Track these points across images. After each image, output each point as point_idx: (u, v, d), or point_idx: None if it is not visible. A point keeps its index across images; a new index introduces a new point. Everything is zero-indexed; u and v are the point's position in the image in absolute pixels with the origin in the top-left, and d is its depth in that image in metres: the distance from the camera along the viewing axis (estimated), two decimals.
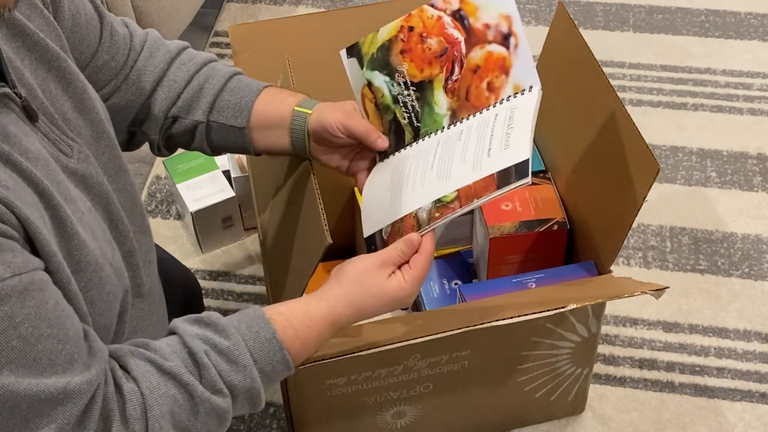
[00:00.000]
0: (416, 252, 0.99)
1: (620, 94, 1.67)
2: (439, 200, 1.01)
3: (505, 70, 1.03)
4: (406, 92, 1.08)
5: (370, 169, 1.12)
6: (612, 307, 1.55)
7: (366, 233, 1.10)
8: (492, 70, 1.04)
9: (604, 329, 1.51)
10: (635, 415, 1.42)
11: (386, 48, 1.08)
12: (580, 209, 1.29)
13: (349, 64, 1.12)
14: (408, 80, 1.08)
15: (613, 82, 1.19)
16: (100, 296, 0.88)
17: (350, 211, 1.47)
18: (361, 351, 1.08)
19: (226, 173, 1.62)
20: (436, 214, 1.00)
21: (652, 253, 1.63)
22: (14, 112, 0.83)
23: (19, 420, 0.76)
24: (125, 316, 0.96)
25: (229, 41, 1.55)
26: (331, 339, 0.98)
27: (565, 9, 1.28)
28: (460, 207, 0.99)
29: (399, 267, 0.99)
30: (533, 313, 1.11)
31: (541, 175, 1.36)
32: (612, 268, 1.22)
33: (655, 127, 1.85)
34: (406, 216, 1.03)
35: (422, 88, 1.08)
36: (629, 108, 1.85)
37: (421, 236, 1.00)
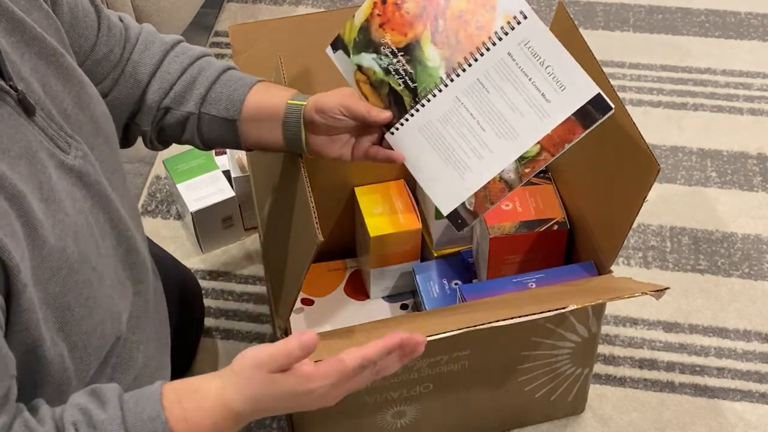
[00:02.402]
0: (306, 353, 0.85)
1: (620, 94, 1.67)
2: (522, 157, 1.02)
3: (491, 5, 1.02)
4: (395, 60, 1.07)
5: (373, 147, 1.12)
6: (612, 307, 1.55)
7: (446, 210, 1.11)
8: (476, 10, 1.03)
9: (604, 329, 1.51)
10: (635, 415, 1.42)
11: (365, 28, 1.08)
12: (581, 209, 1.29)
13: (338, 58, 1.12)
14: (394, 48, 1.07)
15: (613, 82, 1.19)
16: (78, 301, 0.86)
17: (350, 211, 1.47)
18: None
19: (226, 173, 1.62)
20: (527, 170, 1.02)
21: (652, 253, 1.63)
22: (9, 105, 0.83)
23: None
24: (123, 316, 0.96)
25: (229, 41, 1.55)
26: (334, 342, 0.96)
27: (565, 9, 1.28)
28: (552, 155, 1.01)
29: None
30: (533, 314, 1.11)
31: (541, 175, 1.36)
32: (612, 268, 1.22)
33: (655, 127, 1.85)
34: (490, 182, 1.05)
35: (410, 50, 1.07)
36: (629, 108, 1.85)
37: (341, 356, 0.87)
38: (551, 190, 1.34)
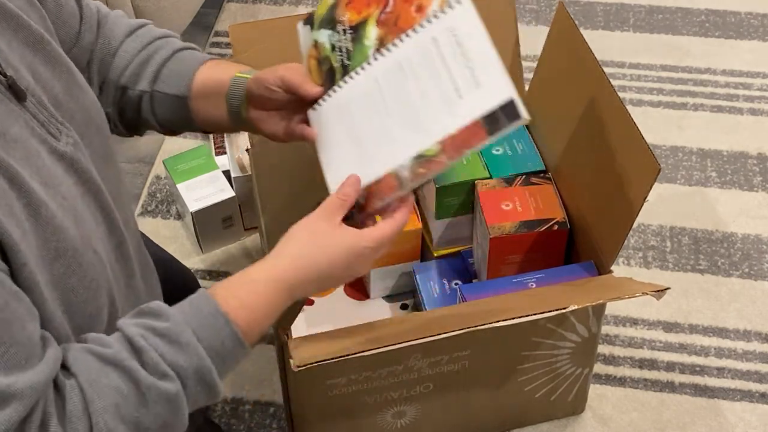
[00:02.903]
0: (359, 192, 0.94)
1: (620, 94, 1.67)
2: (420, 155, 0.94)
3: None
4: (343, 38, 1.04)
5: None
6: (612, 307, 1.55)
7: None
8: None
9: (604, 329, 1.51)
10: (635, 415, 1.42)
11: (334, 6, 1.06)
12: (581, 209, 1.29)
13: (303, 32, 1.09)
14: (347, 27, 1.04)
15: (613, 82, 1.19)
16: (82, 283, 0.86)
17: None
18: (362, 351, 1.08)
19: (226, 173, 1.62)
20: (421, 170, 0.93)
21: (652, 253, 1.63)
22: None
23: None
24: (114, 306, 0.95)
25: (229, 41, 1.55)
26: (334, 342, 0.97)
27: (565, 9, 1.29)
28: (450, 160, 0.92)
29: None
30: (534, 314, 1.11)
31: (541, 175, 1.36)
32: (612, 268, 1.22)
33: (655, 127, 1.85)
34: (384, 176, 0.96)
35: (357, 28, 1.03)
36: (629, 108, 1.85)
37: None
38: (551, 190, 1.34)
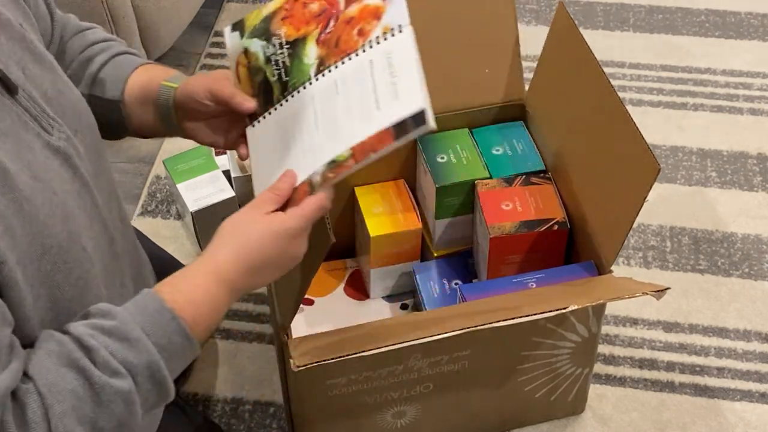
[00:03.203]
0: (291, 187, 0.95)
1: (620, 94, 1.67)
2: (333, 161, 0.96)
3: (377, 17, 0.99)
4: (279, 51, 1.04)
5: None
6: (612, 307, 1.55)
7: None
8: (364, 18, 1.00)
9: (604, 329, 1.51)
10: (635, 415, 1.42)
11: (269, 19, 1.06)
12: (581, 209, 1.29)
13: (231, 37, 1.08)
14: (284, 41, 1.04)
15: (613, 82, 1.19)
16: (68, 280, 0.86)
17: (350, 211, 1.47)
18: (362, 351, 1.08)
19: (226, 173, 1.62)
20: (330, 175, 0.95)
21: (652, 253, 1.63)
22: None
23: None
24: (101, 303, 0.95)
25: None
26: (334, 342, 0.97)
27: (565, 9, 1.29)
28: (357, 162, 0.94)
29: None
30: (534, 314, 1.11)
31: (541, 175, 1.36)
32: (612, 268, 1.22)
33: (655, 127, 1.85)
34: (300, 185, 0.98)
35: (295, 45, 1.04)
36: (629, 108, 1.85)
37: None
38: (551, 190, 1.34)
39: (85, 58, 1.09)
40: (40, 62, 0.92)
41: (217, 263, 0.90)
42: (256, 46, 1.06)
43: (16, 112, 0.85)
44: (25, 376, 0.79)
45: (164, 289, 0.87)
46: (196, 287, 0.88)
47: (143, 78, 1.08)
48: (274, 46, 1.05)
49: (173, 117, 1.06)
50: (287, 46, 1.04)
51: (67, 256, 0.86)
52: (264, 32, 1.06)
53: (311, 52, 1.02)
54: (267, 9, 1.06)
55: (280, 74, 1.03)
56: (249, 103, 1.02)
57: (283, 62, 1.04)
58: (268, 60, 1.05)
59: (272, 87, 1.04)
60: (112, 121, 1.09)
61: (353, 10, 1.01)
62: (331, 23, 1.02)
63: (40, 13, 1.02)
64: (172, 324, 0.84)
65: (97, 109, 1.07)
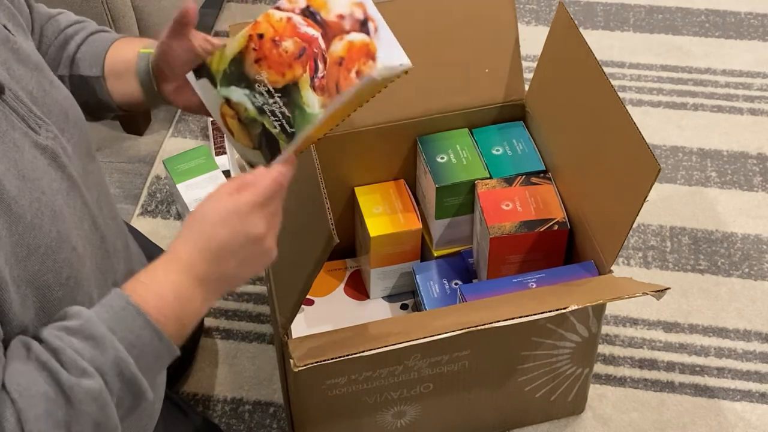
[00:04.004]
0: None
1: (620, 94, 1.67)
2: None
3: (371, 56, 0.96)
4: (271, 100, 1.00)
5: None
6: (612, 307, 1.55)
7: None
8: (358, 58, 0.97)
9: (604, 329, 1.51)
10: (635, 415, 1.42)
11: (238, 61, 1.01)
12: (581, 209, 1.29)
13: (201, 86, 1.03)
14: (270, 88, 1.00)
15: (613, 82, 1.19)
16: (58, 281, 0.85)
17: (350, 211, 1.47)
18: (362, 351, 1.08)
19: (226, 173, 1.62)
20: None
21: (652, 253, 1.63)
22: None
23: None
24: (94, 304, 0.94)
25: None
26: (334, 342, 0.97)
27: (565, 9, 1.29)
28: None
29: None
30: (534, 314, 1.11)
31: (541, 175, 1.36)
32: (612, 268, 1.22)
33: (655, 127, 1.85)
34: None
35: (288, 92, 0.99)
36: (629, 108, 1.85)
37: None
38: (551, 190, 1.34)
39: (60, 42, 1.09)
40: (25, 62, 0.92)
41: (176, 252, 0.87)
42: (239, 95, 1.01)
43: (3, 112, 0.85)
44: None
45: (128, 286, 0.84)
46: (156, 278, 0.85)
47: (121, 51, 1.08)
48: (262, 94, 1.00)
49: (153, 83, 1.06)
50: (278, 95, 0.99)
51: (57, 256, 0.85)
52: (241, 78, 1.01)
53: (312, 101, 0.98)
54: (231, 50, 1.01)
55: (282, 125, 1.00)
56: (189, 2, 1.02)
57: (281, 113, 1.00)
58: (261, 111, 1.00)
59: (276, 138, 1.00)
60: (96, 100, 1.09)
61: (339, 49, 0.97)
62: (320, 66, 0.98)
63: (23, 10, 1.03)
64: (138, 319, 0.82)
65: (79, 90, 1.08)
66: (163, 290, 0.84)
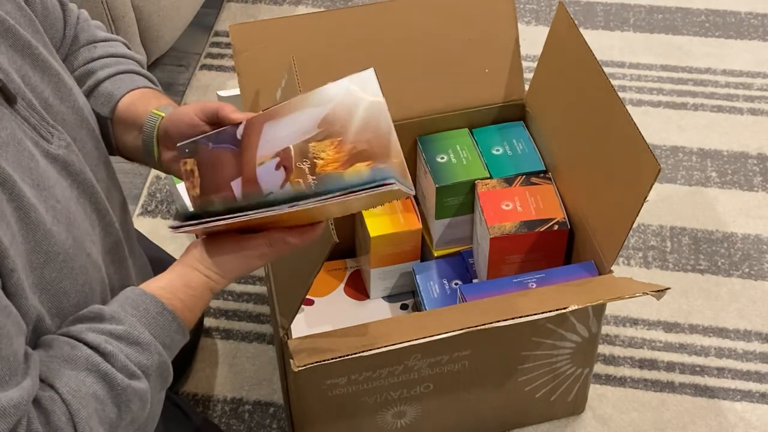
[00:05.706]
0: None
1: (620, 94, 1.67)
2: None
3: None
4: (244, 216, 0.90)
5: None
6: (612, 308, 1.55)
7: None
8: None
9: (604, 329, 1.51)
10: (635, 415, 1.42)
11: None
12: (581, 209, 1.29)
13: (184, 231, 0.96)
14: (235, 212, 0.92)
15: (613, 82, 1.19)
16: (74, 287, 0.87)
17: None
18: (362, 351, 1.08)
19: None
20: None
21: (652, 253, 1.63)
22: None
23: None
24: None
25: (229, 41, 1.55)
26: (334, 342, 0.97)
27: (565, 9, 1.29)
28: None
29: None
30: (534, 314, 1.11)
31: (541, 175, 1.36)
32: (612, 268, 1.22)
33: (655, 127, 1.85)
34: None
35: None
36: (629, 108, 1.85)
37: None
38: (551, 190, 1.34)
39: (86, 70, 1.08)
40: (42, 69, 0.92)
41: (212, 281, 0.94)
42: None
43: (16, 122, 0.85)
44: (44, 383, 0.80)
45: (161, 294, 0.90)
46: (193, 298, 0.93)
47: (136, 102, 1.06)
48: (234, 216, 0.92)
49: (153, 146, 1.04)
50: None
51: (74, 263, 0.86)
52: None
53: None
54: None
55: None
56: (236, 114, 0.96)
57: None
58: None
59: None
60: (101, 132, 1.07)
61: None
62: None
63: (49, 19, 1.01)
64: (174, 324, 0.89)
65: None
66: (196, 307, 0.93)
